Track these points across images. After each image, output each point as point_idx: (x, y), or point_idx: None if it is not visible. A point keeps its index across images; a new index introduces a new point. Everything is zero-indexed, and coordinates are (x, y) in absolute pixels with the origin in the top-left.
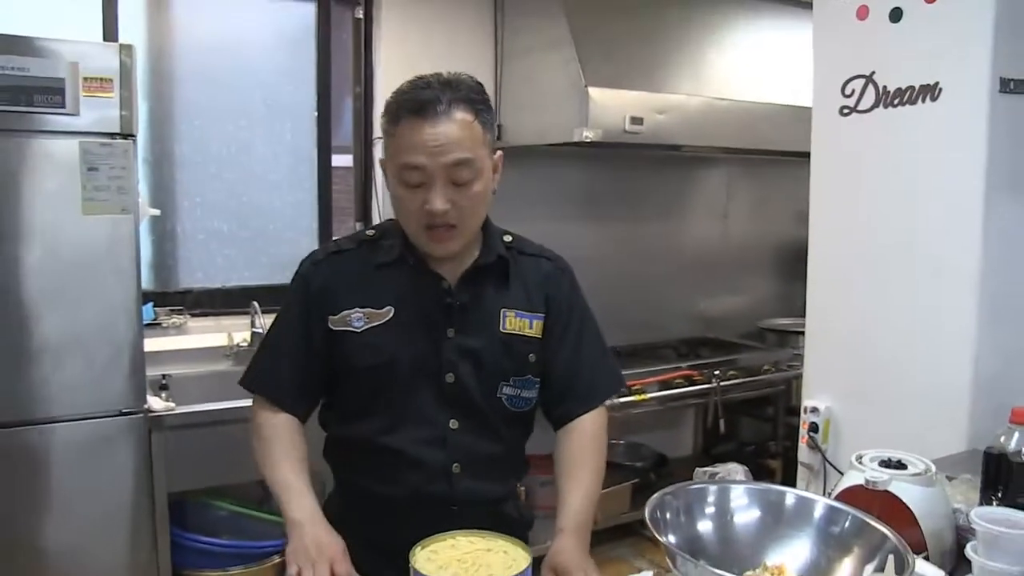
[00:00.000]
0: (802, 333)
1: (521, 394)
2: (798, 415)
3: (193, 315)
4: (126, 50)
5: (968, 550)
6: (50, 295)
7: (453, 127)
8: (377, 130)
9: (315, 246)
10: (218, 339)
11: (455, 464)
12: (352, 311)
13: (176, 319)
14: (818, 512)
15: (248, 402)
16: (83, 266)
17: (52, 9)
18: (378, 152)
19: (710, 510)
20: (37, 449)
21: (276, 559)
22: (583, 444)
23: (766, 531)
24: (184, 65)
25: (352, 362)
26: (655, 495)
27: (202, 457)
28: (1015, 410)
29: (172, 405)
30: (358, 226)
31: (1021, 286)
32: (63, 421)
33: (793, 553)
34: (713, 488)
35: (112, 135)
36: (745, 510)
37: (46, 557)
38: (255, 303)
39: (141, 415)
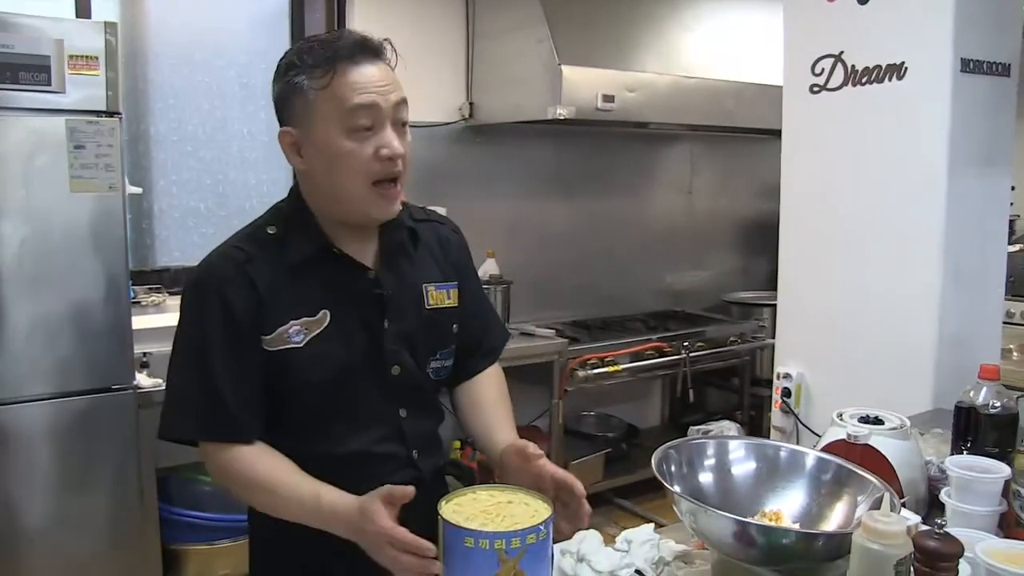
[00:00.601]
0: (765, 305)
1: (444, 364)
2: (763, 385)
3: (171, 293)
4: (111, 28)
5: (943, 495)
6: (38, 273)
7: (387, 72)
8: None
9: None
10: None
11: (415, 451)
12: (287, 326)
13: (155, 297)
14: (809, 463)
15: None
16: (71, 244)
17: None
18: None
19: (710, 462)
20: (27, 426)
21: None
22: (494, 388)
23: (762, 481)
24: (158, 44)
25: (299, 379)
26: (659, 449)
27: None
28: (983, 367)
29: (159, 381)
30: None
31: (982, 254)
32: (53, 398)
33: (788, 501)
34: (712, 443)
35: (98, 113)
36: (742, 462)
37: (36, 533)
38: None
39: (130, 391)
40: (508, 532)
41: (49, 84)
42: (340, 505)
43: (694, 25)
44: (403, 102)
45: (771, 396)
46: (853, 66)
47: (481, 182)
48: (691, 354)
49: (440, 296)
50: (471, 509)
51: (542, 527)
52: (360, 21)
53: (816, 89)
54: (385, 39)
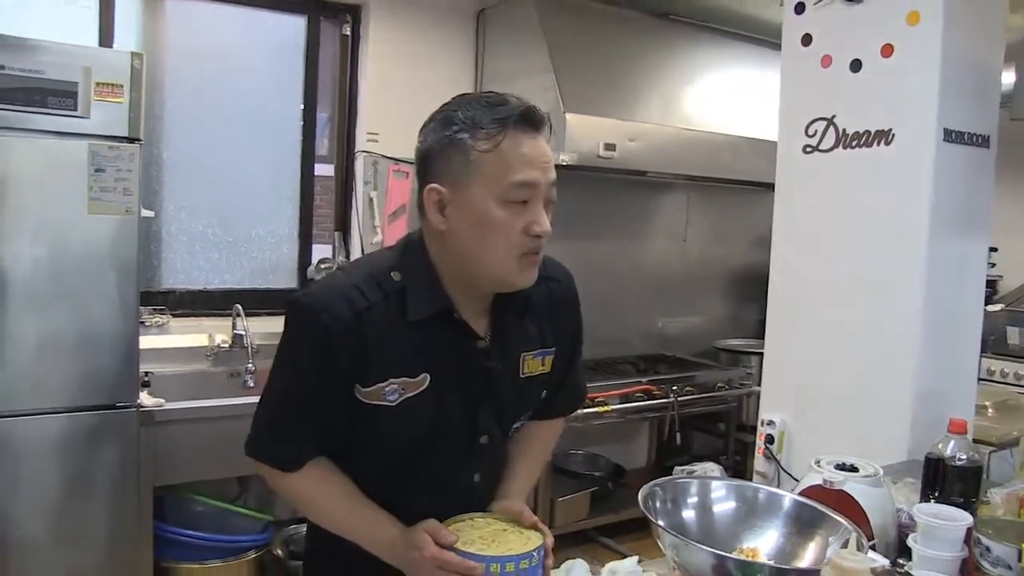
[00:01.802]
0: (754, 353)
1: (525, 423)
2: (748, 431)
3: (175, 315)
4: (137, 57)
5: (910, 540)
6: (52, 290)
7: (546, 143)
8: (359, 143)
9: (295, 253)
10: (199, 339)
11: (474, 512)
12: (387, 384)
13: (159, 318)
14: (785, 505)
15: (235, 400)
16: (85, 264)
17: (51, 14)
18: (360, 165)
19: (693, 500)
20: (32, 439)
21: (252, 554)
22: (542, 437)
23: (741, 520)
24: (175, 72)
25: (382, 434)
26: (646, 485)
27: (185, 453)
28: (952, 420)
29: (161, 401)
30: (337, 236)
31: (959, 312)
32: (59, 412)
33: (764, 539)
34: (696, 482)
35: (120, 139)
36: (723, 501)
37: (33, 544)
38: (238, 305)
39: (133, 409)
40: (503, 556)
41: (75, 109)
42: (390, 538)
43: (694, 79)
44: (555, 181)
45: (755, 442)
46: (844, 130)
47: None
48: (679, 398)
49: (535, 364)
50: (469, 535)
51: (535, 553)
52: (372, 60)
53: (809, 150)
54: (546, 113)
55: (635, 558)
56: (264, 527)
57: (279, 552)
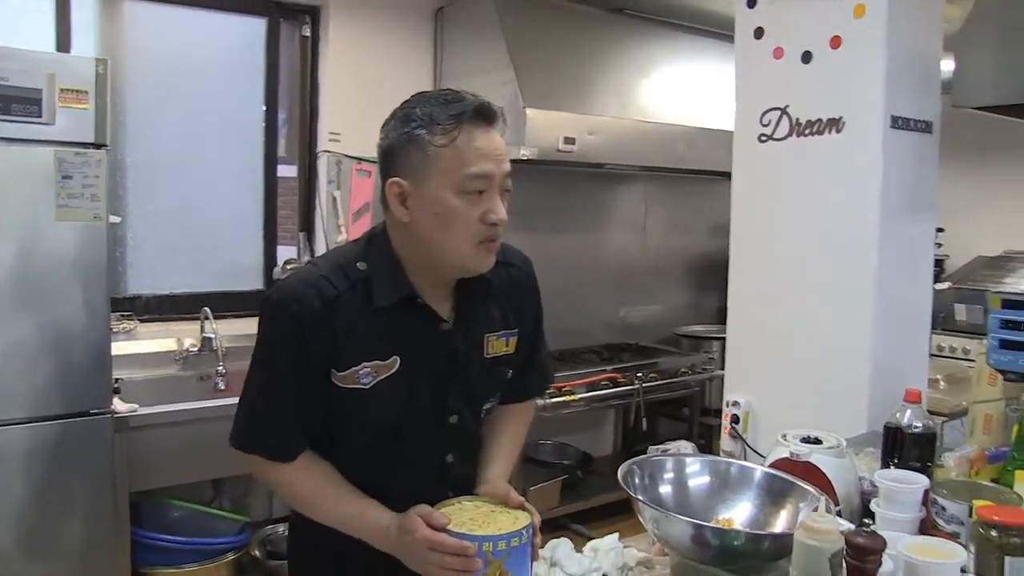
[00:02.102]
0: (715, 338)
1: (495, 404)
2: (712, 415)
3: (143, 320)
4: (101, 63)
5: (872, 504)
6: (22, 298)
7: (500, 136)
8: (322, 143)
9: (260, 255)
10: (167, 344)
11: (450, 492)
12: (360, 367)
13: (126, 324)
14: (756, 477)
15: (207, 403)
16: (55, 271)
17: (5, 19)
18: (323, 165)
19: (669, 476)
20: (5, 448)
21: (230, 556)
22: (516, 422)
23: (715, 493)
24: (136, 77)
25: (358, 417)
26: (624, 464)
27: (159, 457)
28: (908, 391)
29: (135, 406)
30: (302, 236)
31: (910, 291)
32: (32, 422)
33: (738, 510)
34: (671, 459)
35: (86, 145)
36: (697, 476)
37: (10, 553)
38: (207, 309)
39: (108, 416)
40: (494, 535)
41: (40, 116)
42: (382, 522)
43: (649, 72)
44: (510, 172)
45: (719, 425)
46: (797, 119)
47: None
48: (644, 384)
49: (500, 345)
50: (459, 517)
51: (524, 532)
52: (333, 58)
53: (764, 139)
54: (500, 107)
55: (615, 535)
56: (241, 528)
57: (257, 553)
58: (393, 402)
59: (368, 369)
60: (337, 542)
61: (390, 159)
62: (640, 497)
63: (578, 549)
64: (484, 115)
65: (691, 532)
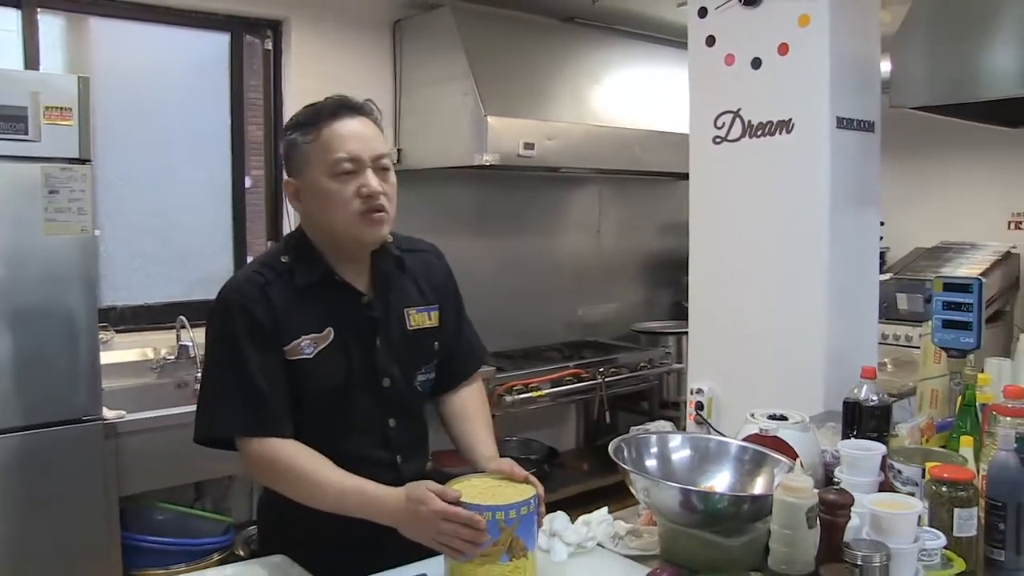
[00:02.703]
0: (671, 333)
1: (429, 377)
2: (670, 407)
3: (118, 331)
4: (84, 81)
5: (836, 472)
6: (13, 310)
7: (367, 126)
8: None
9: (231, 263)
10: (144, 353)
11: (398, 456)
12: (300, 340)
13: (103, 335)
14: (733, 450)
15: (190, 408)
16: (46, 283)
17: None
18: None
19: (654, 451)
20: (2, 457)
21: (216, 556)
22: (474, 401)
23: (696, 465)
24: (103, 92)
25: (307, 386)
26: (614, 440)
27: (145, 462)
28: (864, 368)
29: (123, 413)
30: (270, 243)
31: (859, 281)
32: (27, 429)
33: (718, 479)
34: (655, 436)
35: (71, 160)
36: (679, 450)
37: (4, 561)
38: (182, 317)
39: (98, 422)
40: (505, 505)
41: (26, 133)
42: (382, 495)
43: (601, 78)
44: (383, 155)
45: (678, 416)
46: (749, 121)
47: (408, 223)
48: (606, 379)
49: (421, 318)
50: (470, 492)
51: (531, 501)
52: (295, 71)
53: (718, 140)
54: (367, 99)
55: (604, 509)
56: (225, 529)
57: (241, 552)
58: (334, 369)
59: (308, 341)
60: (306, 514)
61: (285, 164)
62: (631, 469)
63: None
64: (345, 108)
65: (680, 498)
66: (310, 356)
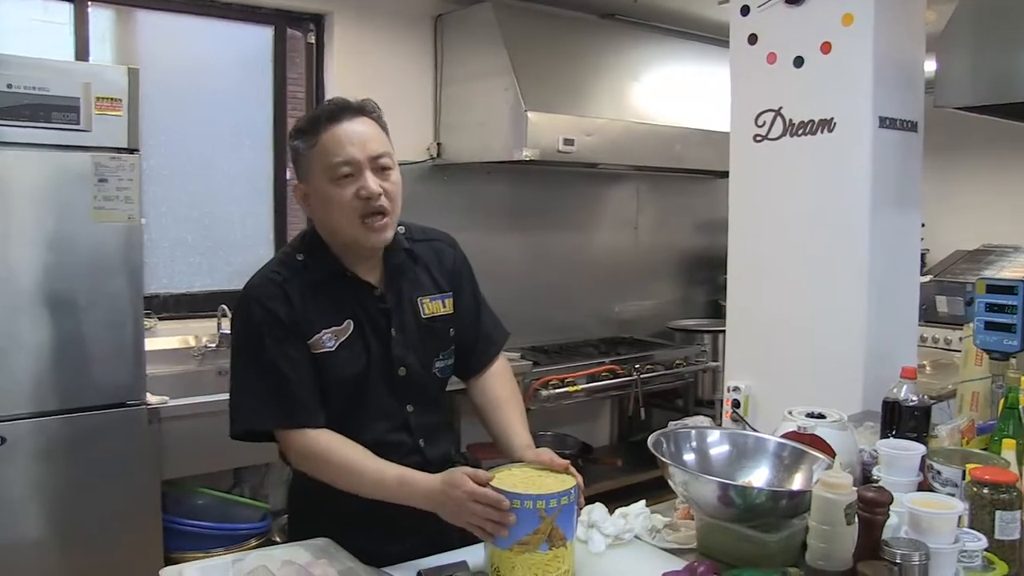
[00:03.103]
0: (706, 331)
1: (447, 363)
2: (704, 405)
3: (161, 318)
4: (133, 72)
5: (874, 471)
6: (61, 296)
7: (366, 126)
8: None
9: (271, 254)
10: (185, 341)
11: (420, 439)
12: (321, 334)
13: (146, 322)
14: (771, 447)
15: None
16: (93, 270)
17: (25, 30)
18: None
19: (692, 445)
20: (48, 439)
21: (253, 542)
22: (503, 384)
23: (734, 461)
24: (149, 84)
25: (329, 377)
26: (654, 434)
27: (186, 447)
28: (904, 368)
29: (166, 398)
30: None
31: (900, 282)
32: (75, 412)
33: (756, 475)
34: (693, 431)
35: (120, 150)
36: (717, 446)
37: (48, 539)
38: (223, 306)
39: (142, 407)
40: (547, 494)
41: (78, 123)
42: (420, 481)
43: (641, 75)
44: (383, 154)
45: (713, 415)
46: (791, 120)
47: (445, 216)
48: (642, 376)
49: (435, 306)
50: (511, 481)
51: (572, 491)
52: (337, 65)
53: (759, 139)
54: (366, 98)
55: (642, 502)
56: (263, 516)
57: (278, 539)
58: (355, 359)
59: (329, 334)
60: (338, 500)
61: (294, 169)
62: (670, 462)
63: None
64: (344, 110)
65: (718, 492)
66: (332, 349)
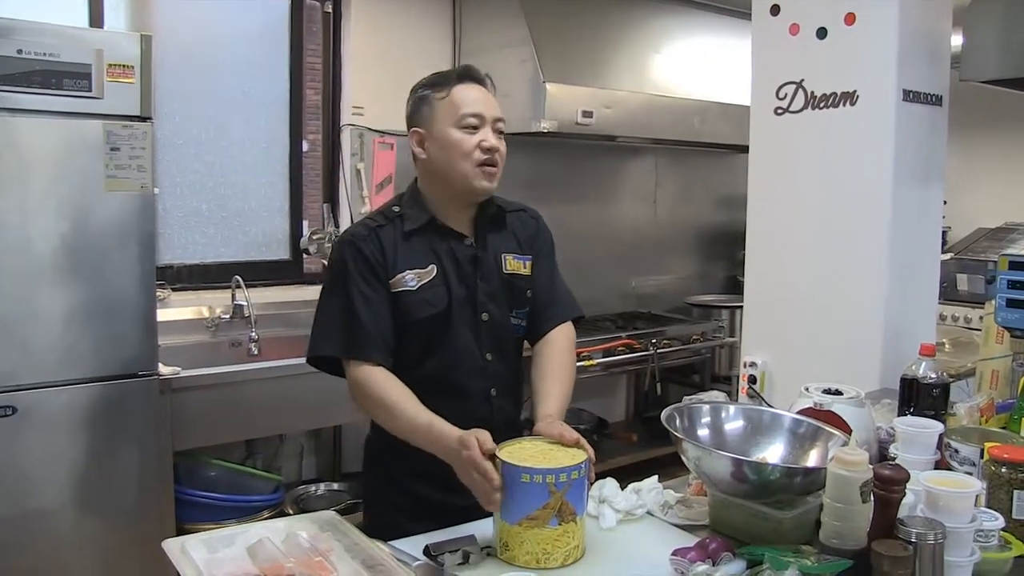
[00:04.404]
0: (724, 307)
1: (521, 323)
2: (721, 381)
3: (175, 289)
4: (146, 40)
5: (891, 449)
6: (74, 265)
7: (488, 94)
8: (345, 118)
9: (287, 226)
10: (199, 312)
11: (492, 389)
12: (404, 273)
13: (160, 292)
14: (786, 423)
15: (244, 367)
16: (106, 240)
17: None
18: (346, 139)
19: (706, 420)
20: (62, 408)
21: (266, 514)
22: (559, 354)
23: (749, 437)
24: (164, 52)
25: (411, 316)
26: (667, 408)
27: (199, 418)
28: (923, 345)
29: (178, 369)
30: (326, 208)
31: (921, 257)
32: (87, 382)
33: (771, 451)
34: (707, 406)
35: (132, 118)
36: (732, 421)
37: (61, 509)
38: (238, 277)
39: (155, 377)
40: (557, 468)
41: (89, 90)
42: (446, 432)
43: (662, 47)
44: (501, 119)
45: (729, 391)
46: (812, 92)
47: None
48: (659, 351)
49: (517, 264)
50: (522, 454)
51: (582, 466)
52: (355, 35)
53: (780, 111)
54: (486, 74)
55: (654, 478)
56: (275, 487)
57: (291, 511)
58: (436, 300)
59: (412, 275)
60: (408, 462)
61: (411, 117)
62: (684, 437)
63: None
64: (470, 74)
65: (731, 468)
66: (413, 288)
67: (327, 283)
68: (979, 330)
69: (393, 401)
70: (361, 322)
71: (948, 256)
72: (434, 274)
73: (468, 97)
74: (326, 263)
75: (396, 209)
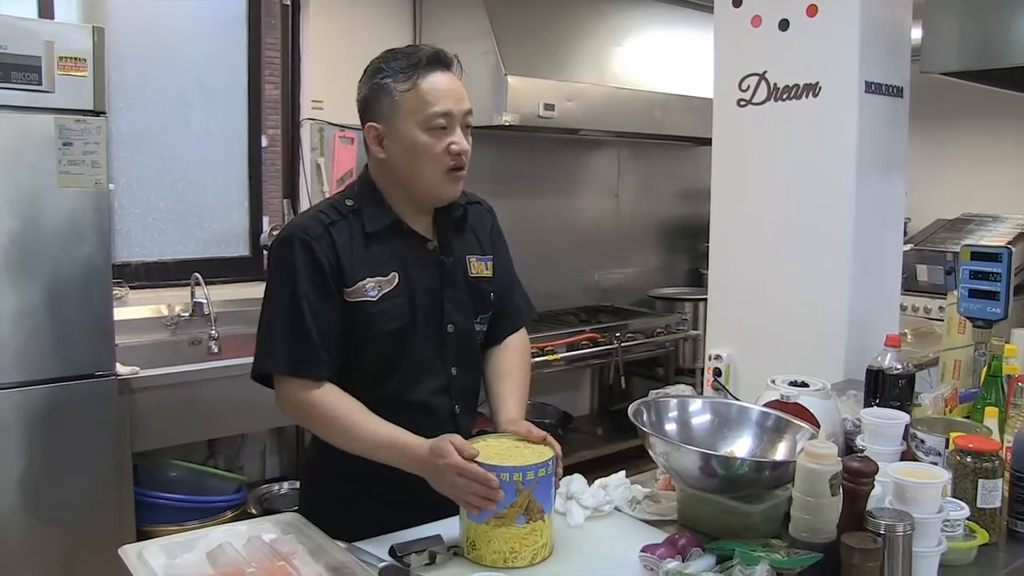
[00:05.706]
0: (687, 300)
1: (483, 328)
2: (685, 374)
3: (132, 287)
4: (98, 32)
5: (858, 440)
6: (26, 264)
7: (458, 82)
8: (305, 112)
9: (246, 222)
10: (158, 310)
11: (456, 406)
12: (366, 281)
13: (117, 291)
14: (754, 416)
15: (204, 365)
16: (59, 237)
17: None
18: (306, 133)
19: (673, 414)
20: (14, 410)
21: (228, 514)
22: (515, 358)
23: (716, 431)
24: (119, 45)
25: (371, 329)
26: (634, 403)
27: (158, 419)
28: (888, 336)
29: (136, 369)
30: (286, 203)
31: (883, 248)
32: (41, 383)
33: (739, 444)
34: (674, 400)
35: (85, 112)
36: (699, 415)
37: (16, 514)
38: (197, 274)
39: (112, 377)
40: (523, 466)
41: (40, 84)
42: (411, 445)
43: (624, 40)
44: (469, 110)
45: (693, 384)
46: (775, 84)
47: None
48: (622, 344)
49: (480, 267)
50: (487, 452)
51: (549, 463)
52: (313, 30)
53: (743, 103)
54: (454, 54)
55: (622, 473)
56: (238, 487)
57: (254, 511)
58: (398, 312)
59: (372, 283)
60: (353, 468)
61: (366, 108)
62: (651, 432)
63: None
64: (440, 60)
65: (700, 463)
66: (374, 299)
67: (272, 286)
68: (940, 320)
69: (349, 419)
70: (307, 336)
71: (908, 247)
72: (395, 283)
73: (437, 91)
74: (269, 256)
75: (349, 203)
